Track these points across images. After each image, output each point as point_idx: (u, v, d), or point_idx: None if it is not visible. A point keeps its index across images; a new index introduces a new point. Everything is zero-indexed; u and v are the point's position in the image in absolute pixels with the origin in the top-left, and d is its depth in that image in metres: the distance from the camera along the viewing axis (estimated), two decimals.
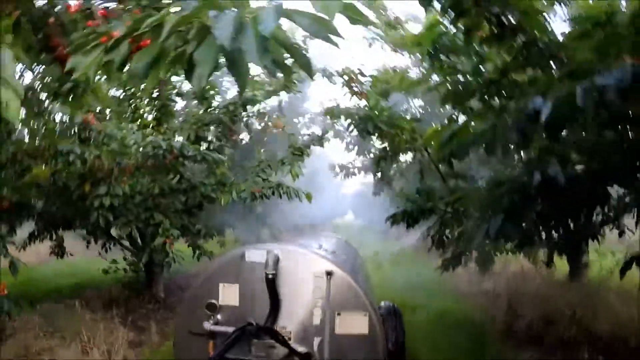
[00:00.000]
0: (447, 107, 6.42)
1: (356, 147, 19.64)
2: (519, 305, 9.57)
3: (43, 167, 6.34)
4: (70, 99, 3.26)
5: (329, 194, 21.88)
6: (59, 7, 2.45)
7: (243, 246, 5.26)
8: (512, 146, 3.60)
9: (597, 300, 9.01)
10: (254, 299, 4.55)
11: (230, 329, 4.41)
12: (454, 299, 11.69)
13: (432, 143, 5.79)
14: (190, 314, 4.68)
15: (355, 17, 1.68)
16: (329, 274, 4.43)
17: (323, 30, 1.59)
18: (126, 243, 11.03)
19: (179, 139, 9.31)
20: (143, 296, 10.84)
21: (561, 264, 11.30)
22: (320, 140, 10.98)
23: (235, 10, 1.63)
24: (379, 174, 13.07)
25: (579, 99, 2.54)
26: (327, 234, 9.91)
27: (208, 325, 4.46)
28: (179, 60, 1.74)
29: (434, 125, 8.77)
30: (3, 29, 1.92)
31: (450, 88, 4.95)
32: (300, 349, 4.39)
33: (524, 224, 4.83)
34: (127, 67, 1.98)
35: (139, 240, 10.87)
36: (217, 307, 4.56)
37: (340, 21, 1.67)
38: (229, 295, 4.59)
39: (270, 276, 4.39)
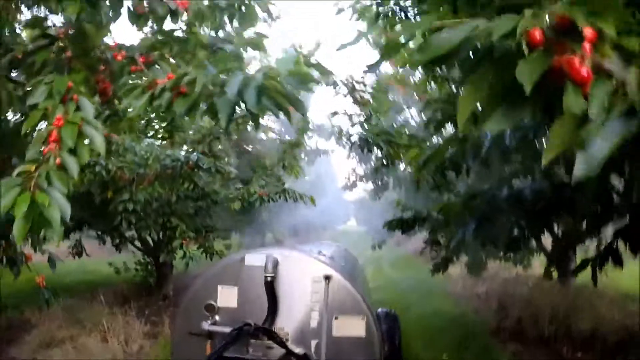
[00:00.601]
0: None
1: (357, 157, 20.27)
2: (508, 306, 10.23)
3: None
4: (108, 124, 3.97)
5: (332, 201, 22.51)
6: (108, 56, 3.13)
7: (244, 250, 5.38)
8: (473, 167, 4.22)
9: (581, 303, 9.62)
10: (252, 301, 4.59)
11: (228, 330, 4.42)
12: (447, 300, 12.38)
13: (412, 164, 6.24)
14: (189, 315, 4.71)
15: (324, 73, 2.37)
16: (327, 278, 4.47)
17: (305, 82, 2.28)
18: (137, 244, 11.78)
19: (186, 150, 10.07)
20: (154, 294, 11.57)
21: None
22: (325, 153, 11.72)
23: (240, 72, 2.33)
24: (378, 182, 13.73)
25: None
26: (326, 242, 10.00)
27: (206, 326, 4.51)
28: (209, 108, 2.44)
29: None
30: (78, 81, 2.58)
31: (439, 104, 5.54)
32: (298, 350, 4.44)
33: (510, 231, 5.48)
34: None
35: (150, 242, 11.66)
36: (215, 308, 4.60)
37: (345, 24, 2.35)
38: (227, 297, 4.63)
39: (269, 279, 4.44)
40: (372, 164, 15.39)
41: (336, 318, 4.44)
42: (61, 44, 2.80)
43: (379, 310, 5.81)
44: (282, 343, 4.39)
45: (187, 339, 4.61)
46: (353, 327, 4.42)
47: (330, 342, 4.42)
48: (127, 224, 9.13)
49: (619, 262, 5.06)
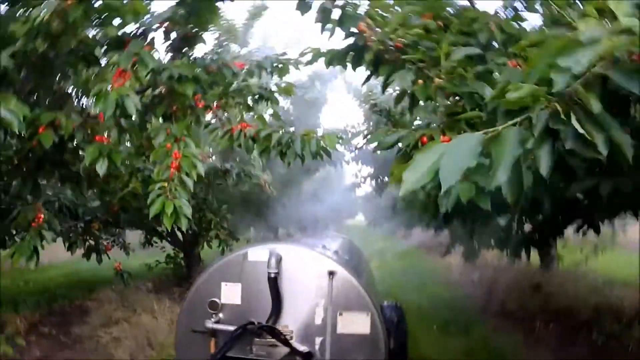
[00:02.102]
0: None
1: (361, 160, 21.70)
2: (495, 289, 11.75)
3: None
4: None
5: (341, 197, 23.84)
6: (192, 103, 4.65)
7: (247, 245, 5.49)
8: None
9: (559, 285, 11.14)
10: (256, 297, 4.55)
11: (232, 328, 4.40)
12: (444, 285, 13.94)
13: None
14: (192, 313, 4.70)
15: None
16: (332, 273, 4.43)
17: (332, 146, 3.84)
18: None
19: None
20: (184, 285, 13.14)
21: (535, 258, 13.42)
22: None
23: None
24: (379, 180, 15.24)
25: None
26: (332, 234, 10.37)
27: (209, 324, 4.48)
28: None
29: None
30: (183, 128, 4.09)
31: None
32: (302, 348, 4.39)
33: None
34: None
35: (180, 237, 13.26)
36: (219, 306, 4.56)
37: None
38: (231, 293, 4.58)
39: (272, 275, 4.40)
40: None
41: (340, 314, 4.41)
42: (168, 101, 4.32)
43: (385, 303, 5.91)
44: (286, 341, 4.37)
45: (191, 336, 4.60)
46: (358, 323, 4.39)
47: (334, 339, 4.38)
48: None
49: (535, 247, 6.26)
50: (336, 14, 3.18)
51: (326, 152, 4.50)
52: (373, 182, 17.16)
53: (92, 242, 7.20)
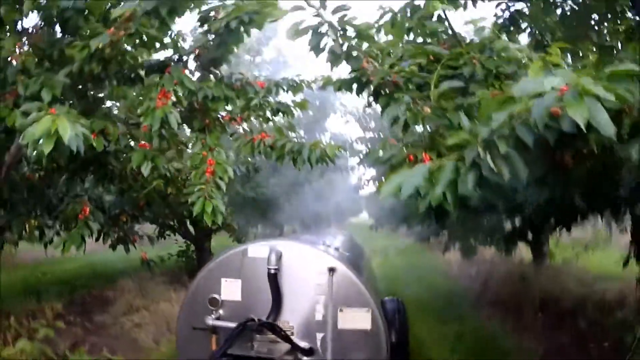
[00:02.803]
0: None
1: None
2: (490, 282, 12.56)
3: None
4: None
5: (346, 196, 24.61)
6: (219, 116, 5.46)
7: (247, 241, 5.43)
8: None
9: (548, 278, 11.91)
10: (256, 294, 4.54)
11: (232, 325, 4.40)
12: (442, 279, 14.78)
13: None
14: (193, 309, 4.70)
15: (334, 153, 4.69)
16: (332, 270, 4.43)
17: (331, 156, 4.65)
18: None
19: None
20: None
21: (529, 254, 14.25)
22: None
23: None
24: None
25: None
26: (333, 231, 10.88)
27: (210, 320, 4.49)
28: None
29: None
30: (215, 138, 4.92)
31: None
32: (303, 344, 4.40)
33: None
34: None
35: (192, 232, 14.11)
36: (219, 302, 4.56)
37: None
38: (231, 290, 4.59)
39: (272, 272, 4.41)
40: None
41: (341, 311, 4.42)
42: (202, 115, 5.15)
43: (386, 299, 5.91)
44: (287, 338, 4.38)
45: (192, 333, 4.62)
46: (358, 319, 4.41)
47: (335, 335, 4.39)
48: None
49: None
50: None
51: (330, 159, 5.32)
52: (376, 184, 18.03)
53: (122, 234, 7.96)
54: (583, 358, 7.65)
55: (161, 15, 4.25)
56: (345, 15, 3.88)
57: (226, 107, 5.42)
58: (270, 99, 5.80)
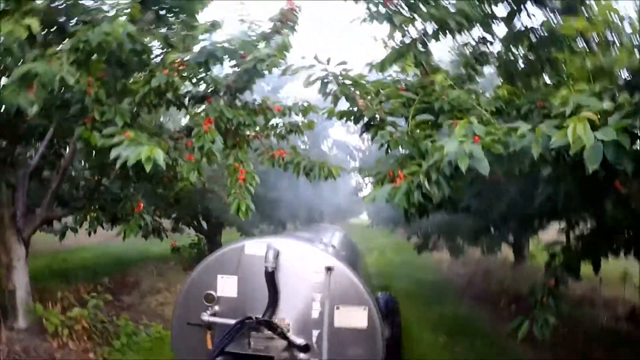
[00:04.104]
0: None
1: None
2: (475, 278, 14.02)
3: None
4: None
5: (346, 197, 26.00)
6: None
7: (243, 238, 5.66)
8: None
9: (525, 277, 13.33)
10: (252, 290, 4.53)
11: (228, 321, 4.40)
12: (432, 274, 16.32)
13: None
14: (188, 305, 4.68)
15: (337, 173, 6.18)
16: (329, 268, 4.44)
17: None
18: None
19: None
20: None
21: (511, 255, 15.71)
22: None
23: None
24: None
25: None
26: (326, 226, 10.95)
27: (205, 316, 4.49)
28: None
29: None
30: (244, 153, 6.36)
31: None
32: (299, 341, 4.40)
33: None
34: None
35: (205, 226, 15.61)
36: (215, 298, 4.55)
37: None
38: (227, 286, 4.58)
39: (269, 269, 4.42)
40: None
41: (337, 308, 4.44)
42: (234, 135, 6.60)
43: (379, 294, 5.94)
44: (283, 335, 4.40)
45: (187, 329, 4.60)
46: (355, 317, 4.42)
47: (332, 332, 4.41)
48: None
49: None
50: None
51: (334, 176, 6.78)
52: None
53: (158, 226, 9.43)
54: (550, 345, 8.99)
55: (208, 64, 5.71)
56: (345, 69, 5.29)
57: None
58: (285, 119, 7.26)
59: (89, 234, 8.07)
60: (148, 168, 4.61)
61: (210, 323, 4.51)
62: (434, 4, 5.72)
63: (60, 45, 5.19)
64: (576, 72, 3.80)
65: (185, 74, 5.86)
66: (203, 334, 4.53)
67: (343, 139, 28.48)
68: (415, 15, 5.74)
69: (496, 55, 6.24)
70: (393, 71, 5.98)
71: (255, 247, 4.60)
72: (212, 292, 4.57)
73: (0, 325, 7.42)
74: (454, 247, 15.04)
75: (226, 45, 5.93)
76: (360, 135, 5.67)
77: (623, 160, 2.87)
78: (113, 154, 4.95)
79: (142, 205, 7.09)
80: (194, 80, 6.39)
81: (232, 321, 4.40)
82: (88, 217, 7.55)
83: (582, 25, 3.82)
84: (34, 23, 4.00)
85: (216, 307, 4.57)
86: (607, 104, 3.00)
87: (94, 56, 5.22)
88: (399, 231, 28.52)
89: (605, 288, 10.53)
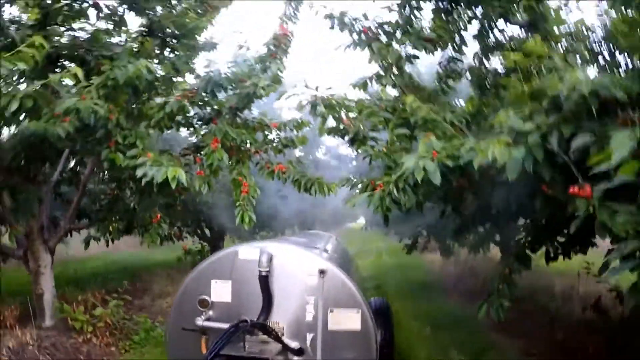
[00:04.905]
0: None
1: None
2: (463, 276, 14.90)
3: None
4: None
5: (344, 203, 26.81)
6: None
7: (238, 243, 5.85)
8: None
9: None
10: (246, 295, 4.56)
11: (223, 325, 4.41)
12: (424, 274, 17.15)
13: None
14: (182, 311, 4.70)
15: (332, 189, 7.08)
16: (322, 272, 4.49)
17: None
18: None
19: None
20: None
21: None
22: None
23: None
24: None
25: None
26: (315, 232, 11.19)
27: (200, 321, 4.52)
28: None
29: None
30: (246, 167, 7.26)
31: None
32: (293, 344, 4.45)
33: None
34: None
35: (207, 233, 16.50)
36: (209, 303, 4.58)
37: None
38: (221, 291, 4.61)
39: (263, 274, 4.45)
40: None
41: (331, 311, 4.47)
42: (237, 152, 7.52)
43: (372, 299, 6.03)
44: (277, 338, 4.45)
45: (182, 334, 4.62)
46: (348, 320, 4.46)
47: (325, 335, 4.45)
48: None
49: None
50: None
51: (330, 191, 7.73)
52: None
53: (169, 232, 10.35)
54: (522, 330, 9.86)
55: (214, 92, 6.65)
56: (332, 93, 6.21)
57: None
58: (281, 135, 8.21)
59: (107, 243, 8.97)
60: (174, 185, 5.49)
61: (204, 328, 4.55)
62: (410, 30, 6.66)
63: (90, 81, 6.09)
64: (515, 96, 4.64)
65: (194, 100, 6.80)
66: (198, 339, 4.58)
67: (335, 146, 29.38)
68: (393, 42, 6.72)
69: (467, 69, 7.16)
70: (376, 87, 6.91)
71: (248, 252, 4.65)
72: (206, 297, 4.62)
73: (32, 324, 8.31)
74: (444, 248, 15.91)
75: (229, 75, 6.86)
76: (349, 146, 6.57)
77: (541, 169, 3.78)
78: (139, 172, 5.87)
79: (159, 216, 8.01)
80: (201, 104, 7.34)
81: (227, 326, 4.43)
82: (110, 227, 8.44)
83: (519, 58, 4.69)
84: (79, 71, 4.90)
85: (210, 312, 4.61)
86: (528, 126, 3.88)
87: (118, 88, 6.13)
88: (393, 234, 29.58)
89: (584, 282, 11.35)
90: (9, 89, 5.26)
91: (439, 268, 18.13)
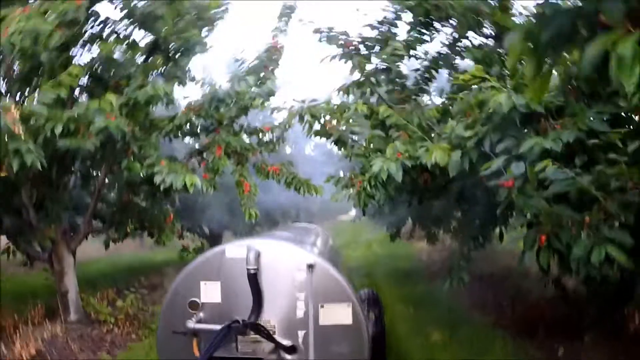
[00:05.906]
0: None
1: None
2: (447, 262, 15.99)
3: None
4: None
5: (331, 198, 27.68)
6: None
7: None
8: None
9: (491, 257, 15.30)
10: (236, 295, 4.49)
11: (214, 327, 4.35)
12: (411, 262, 18.32)
13: None
14: (172, 314, 4.61)
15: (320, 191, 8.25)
16: (311, 266, 4.43)
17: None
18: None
19: None
20: None
21: None
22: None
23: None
24: None
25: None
26: (298, 224, 11.45)
27: (191, 324, 4.43)
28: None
29: None
30: (245, 169, 8.36)
31: None
32: (286, 342, 4.41)
33: None
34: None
35: (207, 231, 17.54)
36: (199, 305, 4.50)
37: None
38: (210, 292, 4.53)
39: (252, 272, 4.36)
40: None
41: (322, 306, 4.42)
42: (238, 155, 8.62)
43: (361, 292, 6.09)
44: (270, 337, 4.40)
45: (173, 338, 4.53)
46: (339, 314, 4.42)
47: (317, 331, 4.40)
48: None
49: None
50: None
51: (317, 192, 8.86)
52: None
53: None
54: (493, 306, 10.93)
55: (218, 107, 7.76)
56: (316, 104, 7.31)
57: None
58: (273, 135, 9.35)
59: (106, 246, 10.24)
60: (191, 191, 6.60)
61: (196, 330, 4.46)
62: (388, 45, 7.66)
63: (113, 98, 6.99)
64: (463, 107, 5.72)
65: (200, 114, 7.91)
66: (189, 342, 4.49)
67: (324, 143, 30.13)
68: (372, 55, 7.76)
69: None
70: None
71: (235, 251, 4.55)
72: (196, 299, 4.53)
73: (60, 319, 9.37)
74: (429, 235, 17.01)
75: (230, 92, 7.94)
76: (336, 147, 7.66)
77: (477, 168, 4.92)
78: (157, 179, 6.95)
79: (172, 216, 9.09)
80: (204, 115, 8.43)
81: (218, 327, 4.35)
82: (128, 229, 9.48)
83: (466, 77, 5.79)
84: (114, 99, 6.00)
85: (201, 314, 4.52)
86: (468, 133, 5.01)
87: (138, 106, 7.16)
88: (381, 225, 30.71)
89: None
90: (51, 112, 6.18)
91: (426, 255, 19.25)
